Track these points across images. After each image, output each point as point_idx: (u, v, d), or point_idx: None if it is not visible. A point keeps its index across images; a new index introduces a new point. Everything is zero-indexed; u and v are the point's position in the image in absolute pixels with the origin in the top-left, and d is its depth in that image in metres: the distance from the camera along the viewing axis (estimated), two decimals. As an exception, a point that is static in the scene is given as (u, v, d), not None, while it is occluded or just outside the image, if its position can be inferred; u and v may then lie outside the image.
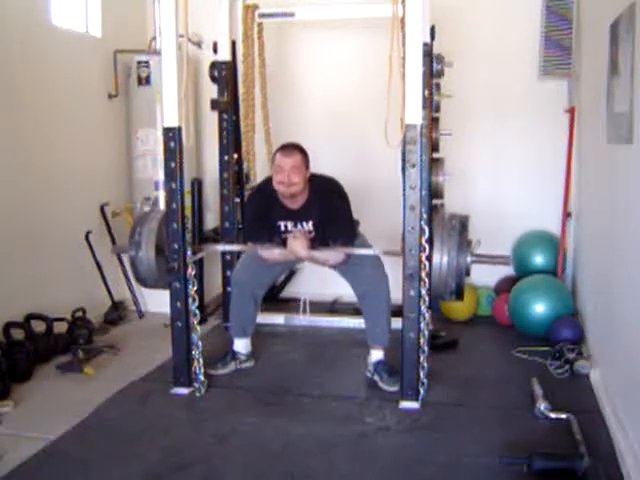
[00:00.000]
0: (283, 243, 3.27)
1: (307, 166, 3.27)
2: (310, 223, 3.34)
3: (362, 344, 3.57)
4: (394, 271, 3.34)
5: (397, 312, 3.17)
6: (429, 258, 2.99)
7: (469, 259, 3.03)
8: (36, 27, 4.04)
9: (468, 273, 3.07)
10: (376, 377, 3.34)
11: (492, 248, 4.67)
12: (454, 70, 3.99)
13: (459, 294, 3.08)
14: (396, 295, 3.24)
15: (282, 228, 3.35)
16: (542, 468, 2.42)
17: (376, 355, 3.40)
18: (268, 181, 3.36)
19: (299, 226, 3.34)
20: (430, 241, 2.99)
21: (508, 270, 4.69)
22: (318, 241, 3.30)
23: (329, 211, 3.28)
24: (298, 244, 3.20)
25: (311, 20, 4.46)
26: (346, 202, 3.36)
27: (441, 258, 2.99)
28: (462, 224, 3.05)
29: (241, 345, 3.60)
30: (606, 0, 3.20)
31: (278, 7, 4.30)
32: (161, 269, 3.25)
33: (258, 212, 3.39)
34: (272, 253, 3.34)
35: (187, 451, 2.68)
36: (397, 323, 3.17)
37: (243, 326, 3.61)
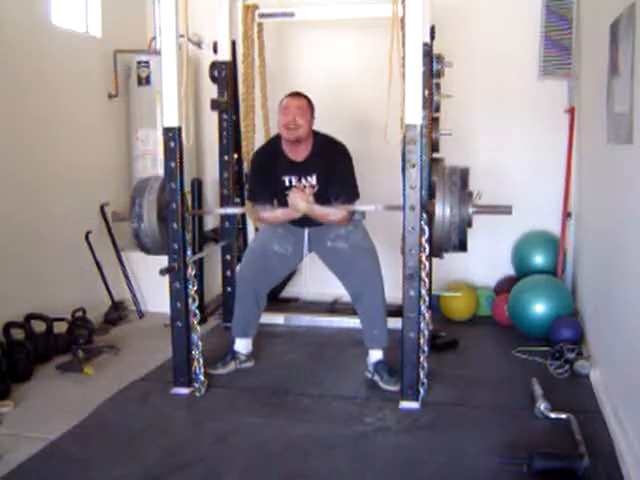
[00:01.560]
0: (285, 204, 3.28)
1: (312, 114, 3.31)
2: (314, 176, 3.31)
3: (362, 344, 3.57)
4: (394, 271, 3.35)
5: (397, 312, 3.17)
6: (431, 211, 2.99)
7: (471, 210, 3.02)
8: (36, 27, 4.04)
9: (470, 225, 3.07)
10: (376, 377, 3.34)
11: (493, 248, 4.73)
12: (454, 70, 3.99)
13: (462, 246, 3.07)
14: (396, 295, 3.24)
15: (287, 183, 3.32)
16: (542, 468, 2.42)
17: (375, 355, 3.40)
18: (273, 138, 3.43)
19: (303, 180, 3.32)
20: (432, 194, 2.98)
21: (508, 270, 4.69)
22: (321, 197, 3.28)
23: (333, 168, 3.29)
24: (299, 197, 3.22)
25: (311, 20, 4.46)
26: (350, 163, 3.35)
27: (443, 210, 3.00)
28: (463, 177, 3.05)
29: (242, 345, 3.60)
30: (606, 0, 3.20)
31: (278, 7, 4.30)
32: (164, 236, 3.25)
33: (261, 168, 3.39)
34: (274, 214, 3.35)
35: (187, 451, 2.69)
36: (397, 323, 3.16)
37: (245, 327, 3.60)
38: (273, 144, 3.40)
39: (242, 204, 4.38)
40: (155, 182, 3.39)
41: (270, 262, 3.49)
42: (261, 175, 3.40)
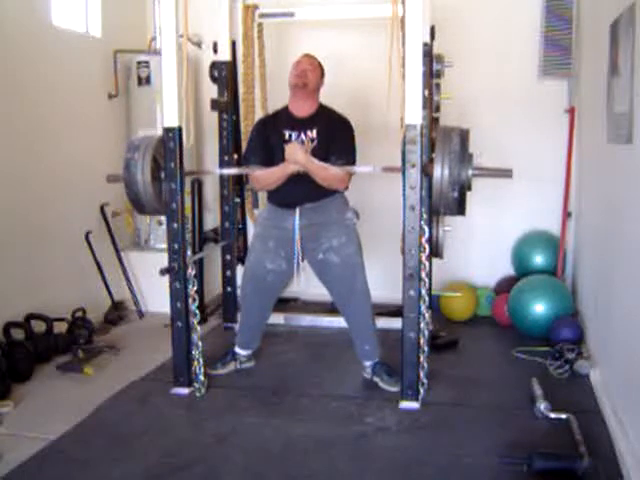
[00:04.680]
0: (283, 160, 3.18)
1: (322, 76, 3.37)
2: (314, 131, 3.26)
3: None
4: (394, 271, 3.34)
5: (397, 312, 3.17)
6: (430, 172, 2.94)
7: (470, 172, 2.97)
8: (37, 27, 4.04)
9: (469, 188, 3.00)
10: (376, 378, 3.34)
11: (492, 247, 4.73)
12: (454, 70, 3.99)
13: (461, 209, 3.01)
14: (396, 295, 3.24)
15: (286, 136, 3.26)
16: (542, 468, 2.42)
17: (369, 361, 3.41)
18: (274, 111, 3.48)
19: (303, 135, 3.26)
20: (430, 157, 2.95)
21: (508, 270, 4.69)
22: (319, 154, 3.18)
23: (334, 131, 3.27)
24: (296, 148, 3.13)
25: (311, 20, 4.46)
26: (352, 133, 3.33)
27: (442, 170, 2.91)
28: (462, 137, 2.99)
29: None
30: (606, 0, 3.20)
31: (278, 7, 4.31)
32: (160, 196, 3.22)
33: (260, 130, 3.36)
34: (268, 170, 3.23)
35: (187, 451, 2.69)
36: (397, 323, 3.16)
37: (249, 340, 3.60)
38: (279, 109, 3.42)
39: (242, 204, 4.39)
40: (150, 140, 3.29)
41: (266, 281, 3.41)
42: (260, 135, 3.34)
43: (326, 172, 3.17)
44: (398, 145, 3.09)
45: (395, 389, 3.22)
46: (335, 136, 3.26)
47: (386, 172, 3.24)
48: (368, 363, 3.40)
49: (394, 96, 2.98)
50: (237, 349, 3.60)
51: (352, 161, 3.26)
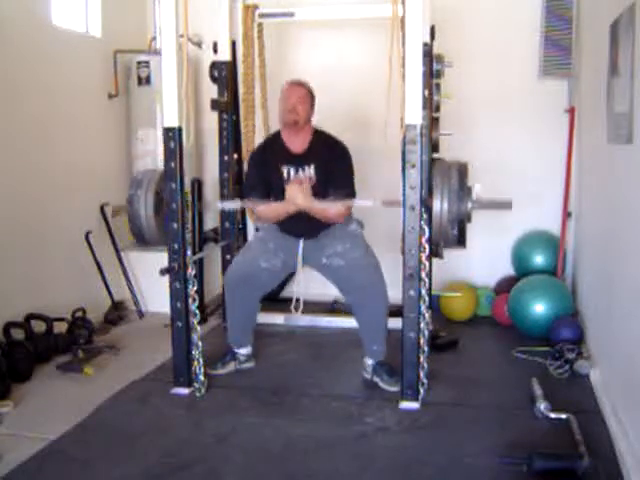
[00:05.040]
0: (283, 196, 3.21)
1: (313, 104, 3.31)
2: (312, 167, 3.27)
3: (362, 344, 3.54)
4: (394, 271, 3.34)
5: (397, 312, 3.17)
6: (430, 206, 2.97)
7: (470, 205, 3.00)
8: (37, 27, 4.04)
9: (469, 220, 3.03)
10: (376, 378, 3.34)
11: (492, 247, 4.72)
12: (454, 70, 3.98)
13: (461, 241, 3.05)
14: (396, 295, 3.24)
15: (285, 174, 3.28)
16: (542, 468, 2.42)
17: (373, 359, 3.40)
18: (272, 133, 3.45)
19: (300, 171, 3.27)
20: (430, 191, 2.99)
21: (508, 270, 4.69)
22: (318, 190, 3.22)
23: (332, 163, 3.26)
24: (297, 190, 3.16)
25: (311, 20, 4.45)
26: (350, 161, 3.32)
27: (441, 205, 2.97)
28: (461, 171, 3.02)
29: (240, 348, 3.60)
30: (606, 0, 3.20)
31: (278, 7, 4.30)
32: (162, 228, 3.26)
33: (258, 162, 3.36)
34: (270, 206, 3.28)
35: (187, 451, 2.69)
36: (397, 323, 3.16)
37: (238, 338, 3.59)
38: (272, 138, 3.41)
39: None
40: (152, 176, 3.36)
41: (259, 279, 3.41)
42: (258, 169, 3.36)
43: (327, 212, 3.24)
44: (398, 145, 3.09)
45: (395, 389, 3.22)
46: (333, 169, 3.27)
47: (386, 206, 3.25)
48: (370, 362, 3.39)
49: (394, 96, 2.97)
50: (235, 348, 3.60)
51: (352, 192, 3.29)
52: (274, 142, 3.37)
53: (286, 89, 3.27)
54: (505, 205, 3.11)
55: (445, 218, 2.98)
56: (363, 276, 3.30)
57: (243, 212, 4.50)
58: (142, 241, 3.37)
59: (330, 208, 3.22)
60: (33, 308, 3.89)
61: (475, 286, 4.62)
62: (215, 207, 4.63)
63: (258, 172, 3.36)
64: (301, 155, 3.30)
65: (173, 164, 3.14)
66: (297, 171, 3.28)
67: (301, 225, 3.30)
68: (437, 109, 4.00)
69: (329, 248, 3.34)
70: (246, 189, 3.46)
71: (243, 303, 3.50)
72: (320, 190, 3.24)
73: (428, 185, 3.01)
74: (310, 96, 3.30)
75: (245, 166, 4.22)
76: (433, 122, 3.93)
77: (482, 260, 4.76)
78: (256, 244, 3.49)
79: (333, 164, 3.27)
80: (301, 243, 3.38)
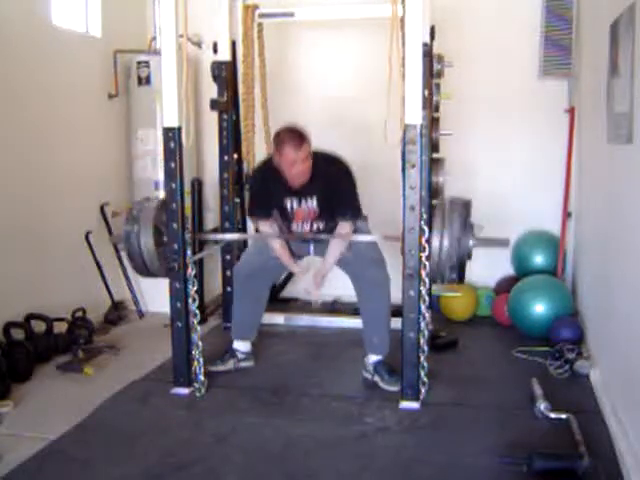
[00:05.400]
0: (287, 220, 3.33)
1: (311, 148, 3.14)
2: (314, 199, 3.27)
3: (362, 344, 3.54)
4: (394, 271, 3.34)
5: (397, 312, 3.17)
6: (428, 240, 2.99)
7: (471, 242, 3.02)
8: (36, 27, 4.04)
9: (470, 257, 3.06)
10: (376, 378, 3.34)
11: (492, 248, 4.71)
12: (454, 70, 3.99)
13: (460, 279, 3.08)
14: (396, 295, 3.24)
15: (288, 208, 3.31)
16: (542, 468, 2.42)
17: (374, 356, 3.40)
18: (269, 161, 3.27)
19: (303, 203, 3.28)
20: (429, 223, 3.01)
21: (508, 270, 4.69)
22: (323, 218, 3.31)
23: (335, 189, 3.24)
24: (313, 286, 3.42)
25: (311, 20, 4.45)
26: (351, 180, 3.28)
27: (442, 240, 2.98)
28: (465, 208, 3.04)
29: (240, 344, 3.60)
30: (606, 0, 3.20)
31: (278, 7, 4.30)
32: (161, 260, 3.24)
33: (261, 188, 3.38)
34: (279, 252, 3.41)
35: (187, 451, 2.69)
36: (397, 323, 3.16)
37: (244, 330, 3.61)
38: (271, 169, 3.23)
39: (242, 204, 4.38)
40: (149, 211, 3.26)
41: (268, 263, 3.50)
42: (261, 193, 3.39)
43: (340, 251, 3.35)
44: (398, 145, 3.09)
45: (395, 389, 3.21)
46: (335, 192, 3.25)
47: (388, 241, 3.28)
48: (372, 359, 3.39)
49: (394, 96, 2.97)
50: (235, 344, 3.60)
51: (356, 211, 3.33)
52: (274, 176, 3.23)
53: (286, 155, 3.05)
54: (503, 243, 3.27)
55: (445, 258, 3.00)
56: (369, 271, 3.36)
57: (243, 212, 4.50)
58: (145, 274, 3.38)
59: (339, 248, 3.34)
60: (33, 308, 3.89)
61: (475, 286, 4.62)
62: (215, 207, 4.64)
63: (260, 197, 3.39)
64: (303, 189, 3.25)
65: (173, 164, 3.14)
66: (300, 202, 3.30)
67: (311, 238, 3.44)
68: (437, 109, 4.00)
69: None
70: (250, 211, 3.54)
71: (253, 294, 3.55)
72: (324, 217, 3.32)
73: (429, 223, 3.01)
74: (308, 145, 3.10)
75: (245, 166, 4.26)
76: (433, 122, 3.93)
77: (482, 260, 4.74)
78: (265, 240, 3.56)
79: (335, 187, 3.24)
80: (312, 246, 3.52)
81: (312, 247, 3.50)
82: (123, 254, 4.78)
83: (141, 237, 3.18)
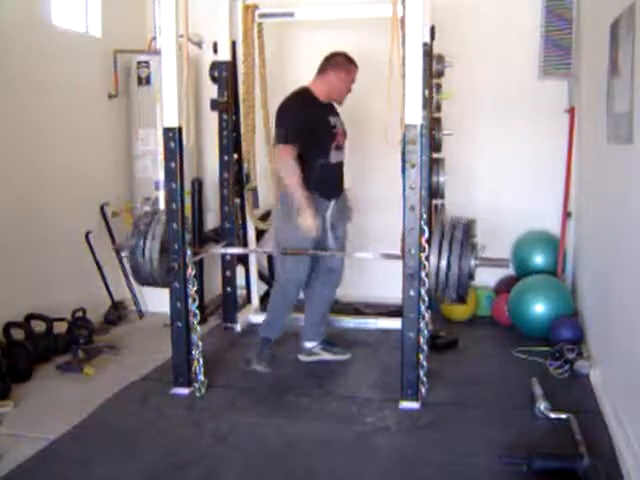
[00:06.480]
0: (331, 139, 3.47)
1: None
2: (342, 121, 3.60)
3: (362, 344, 3.57)
4: (394, 271, 3.34)
5: (397, 312, 3.17)
6: (427, 258, 3.00)
7: (473, 262, 3.03)
8: (36, 27, 4.04)
9: (472, 277, 3.06)
10: (328, 355, 3.63)
11: (493, 248, 4.71)
12: (454, 70, 3.98)
13: (462, 299, 3.11)
14: (396, 295, 3.24)
15: (331, 123, 3.50)
16: (542, 468, 2.42)
17: (316, 341, 3.70)
18: (301, 91, 3.51)
19: (338, 123, 3.54)
20: (428, 241, 3.00)
21: (508, 270, 4.68)
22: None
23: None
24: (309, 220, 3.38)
25: (311, 20, 4.45)
26: None
27: (440, 261, 2.99)
28: (468, 228, 3.05)
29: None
30: (606, 0, 3.20)
31: (278, 7, 4.30)
32: (164, 269, 3.25)
33: (300, 110, 3.43)
34: (294, 185, 3.34)
35: (187, 451, 2.69)
36: (397, 323, 3.16)
37: (280, 329, 3.68)
38: (305, 96, 3.50)
39: (242, 205, 4.37)
40: (155, 228, 3.30)
41: (309, 259, 3.55)
42: (300, 119, 3.39)
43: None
44: (398, 145, 3.09)
45: (347, 357, 3.61)
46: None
47: (386, 259, 3.43)
48: (314, 343, 3.68)
49: (394, 96, 2.97)
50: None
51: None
52: (310, 97, 3.49)
53: (353, 71, 3.53)
54: (503, 264, 3.43)
55: (442, 276, 3.02)
56: (339, 260, 3.65)
57: (243, 212, 4.50)
58: (149, 285, 3.39)
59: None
60: (33, 308, 3.89)
61: (475, 286, 4.61)
62: (215, 207, 4.64)
63: (305, 118, 3.41)
64: (334, 110, 3.60)
65: (173, 164, 3.14)
66: (336, 123, 3.53)
67: (337, 188, 3.56)
68: (438, 109, 4.00)
69: (339, 229, 3.57)
70: (288, 131, 3.39)
71: (294, 302, 3.70)
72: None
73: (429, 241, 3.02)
74: None
75: (245, 166, 4.25)
76: (435, 122, 3.93)
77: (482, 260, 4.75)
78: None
79: None
80: (332, 205, 3.50)
81: (332, 204, 3.49)
82: (123, 254, 4.79)
83: (147, 251, 3.22)
